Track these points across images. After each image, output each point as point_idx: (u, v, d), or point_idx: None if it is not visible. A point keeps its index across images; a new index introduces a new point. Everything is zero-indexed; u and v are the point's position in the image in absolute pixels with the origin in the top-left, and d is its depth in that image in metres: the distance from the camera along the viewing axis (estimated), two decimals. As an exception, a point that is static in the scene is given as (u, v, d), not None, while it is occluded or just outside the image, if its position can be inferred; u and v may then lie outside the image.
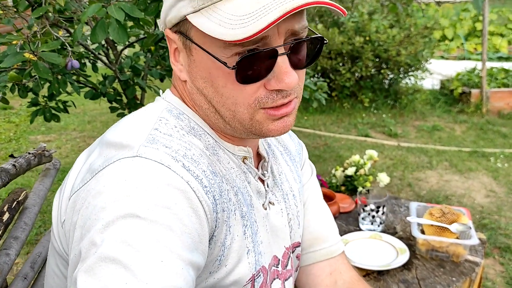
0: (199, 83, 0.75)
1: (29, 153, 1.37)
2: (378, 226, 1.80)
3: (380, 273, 1.55)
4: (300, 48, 0.72)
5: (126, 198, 0.61)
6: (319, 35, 0.75)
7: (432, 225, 1.63)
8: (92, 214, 0.62)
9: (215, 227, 0.72)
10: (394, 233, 1.80)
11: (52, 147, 5.22)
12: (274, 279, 0.90)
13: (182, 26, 0.73)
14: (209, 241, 0.71)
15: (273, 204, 0.90)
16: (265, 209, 0.87)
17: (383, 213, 1.80)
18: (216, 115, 0.77)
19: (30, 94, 2.34)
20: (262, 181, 0.89)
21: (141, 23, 1.91)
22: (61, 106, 2.54)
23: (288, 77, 0.70)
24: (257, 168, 0.89)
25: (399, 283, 1.50)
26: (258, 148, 0.90)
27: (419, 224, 1.69)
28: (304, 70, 0.77)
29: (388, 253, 1.64)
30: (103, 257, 0.57)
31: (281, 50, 0.69)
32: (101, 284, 0.55)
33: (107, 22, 1.66)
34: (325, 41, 0.76)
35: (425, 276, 1.53)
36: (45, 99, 2.46)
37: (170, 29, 0.76)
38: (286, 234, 0.93)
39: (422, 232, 1.68)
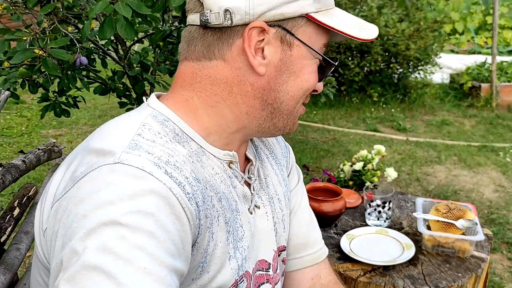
0: (283, 78, 0.80)
1: (38, 149, 1.39)
2: (385, 221, 1.81)
3: (386, 268, 1.56)
4: None
5: (107, 205, 0.61)
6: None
7: (438, 221, 1.64)
8: (73, 222, 0.62)
9: (198, 233, 0.72)
10: (400, 229, 1.80)
11: (63, 141, 5.27)
12: (263, 283, 0.90)
13: (289, 23, 0.78)
14: (191, 247, 0.71)
15: (259, 207, 0.91)
16: (251, 213, 0.88)
17: (389, 209, 1.80)
18: (270, 110, 0.82)
19: (41, 89, 2.36)
20: (248, 184, 0.89)
21: (148, 19, 1.92)
22: (71, 102, 2.56)
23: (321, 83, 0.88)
24: (244, 171, 0.89)
25: (405, 279, 1.51)
26: (246, 150, 0.91)
27: (425, 220, 1.69)
28: None
29: (394, 249, 1.65)
30: (85, 265, 0.57)
31: None
32: None
33: (115, 18, 1.68)
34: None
35: (431, 272, 1.54)
36: (55, 94, 2.48)
37: (266, 22, 0.76)
38: (272, 238, 0.94)
39: (428, 227, 1.69)
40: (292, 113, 0.84)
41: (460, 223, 1.60)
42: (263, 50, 0.77)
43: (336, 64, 0.84)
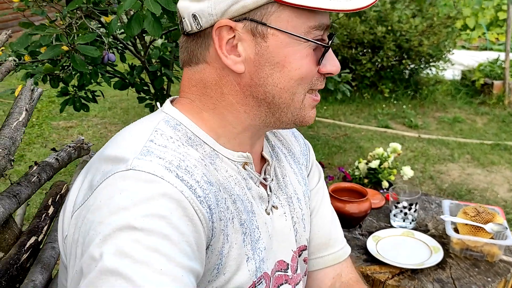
0: (265, 71, 0.76)
1: (69, 146, 1.39)
2: (410, 223, 1.80)
3: (414, 271, 1.55)
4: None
5: (121, 211, 0.62)
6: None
7: (466, 224, 1.63)
8: (90, 230, 0.64)
9: (212, 236, 0.73)
10: (426, 231, 1.79)
11: (74, 133, 5.28)
12: (282, 284, 0.90)
13: (257, 13, 0.73)
14: (206, 249, 0.72)
15: (277, 208, 0.90)
16: (268, 214, 0.87)
17: (415, 211, 1.79)
18: (267, 106, 0.79)
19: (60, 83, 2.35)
20: (265, 185, 0.89)
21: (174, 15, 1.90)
22: (90, 96, 2.55)
23: (337, 61, 0.80)
24: (260, 172, 0.89)
25: (434, 282, 1.50)
26: (262, 150, 0.90)
27: (452, 223, 1.68)
28: None
29: (421, 251, 1.64)
30: (103, 270, 0.58)
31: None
32: None
33: (142, 15, 1.66)
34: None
35: (460, 276, 1.53)
36: (74, 88, 2.47)
37: (231, 19, 0.74)
38: (291, 238, 0.93)
39: (456, 230, 1.68)
40: (293, 105, 0.79)
41: (489, 227, 1.58)
42: (237, 48, 0.76)
43: (328, 45, 0.77)
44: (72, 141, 1.47)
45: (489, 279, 1.51)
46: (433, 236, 1.74)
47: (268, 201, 0.88)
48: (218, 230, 0.74)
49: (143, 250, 0.60)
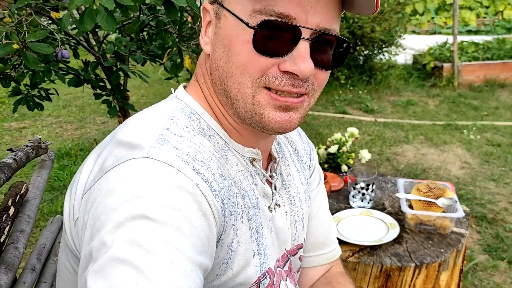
0: (218, 53, 0.74)
1: (26, 146, 1.37)
2: (368, 203, 1.88)
3: (373, 248, 1.62)
4: (325, 46, 0.73)
5: (136, 199, 0.61)
6: (346, 39, 0.76)
7: (419, 200, 1.71)
8: (102, 214, 0.62)
9: (222, 230, 0.72)
10: (383, 209, 1.87)
11: (28, 134, 5.12)
12: (281, 279, 0.91)
13: None
14: (216, 244, 0.71)
15: (279, 206, 0.91)
16: (271, 211, 0.88)
17: (372, 191, 1.87)
18: (225, 94, 0.76)
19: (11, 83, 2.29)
20: (270, 183, 0.89)
21: (127, 9, 1.89)
22: (44, 94, 2.50)
23: (304, 63, 0.70)
24: (266, 169, 0.89)
25: (391, 257, 1.58)
26: (270, 148, 0.90)
27: (407, 200, 1.76)
28: (326, 73, 0.77)
29: (379, 229, 1.72)
30: (113, 258, 0.57)
31: (305, 34, 0.70)
32: (111, 284, 0.56)
33: (95, 10, 1.65)
34: (351, 51, 0.79)
35: (415, 249, 1.62)
36: (27, 87, 2.41)
37: (208, 1, 0.77)
38: (288, 237, 0.94)
39: (411, 207, 1.76)
40: (242, 98, 0.74)
41: (441, 201, 1.68)
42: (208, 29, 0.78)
43: (253, 27, 0.69)
44: (29, 140, 1.45)
45: (442, 250, 1.61)
46: (389, 213, 1.82)
47: (272, 199, 0.88)
48: (229, 225, 0.74)
49: (155, 241, 0.58)
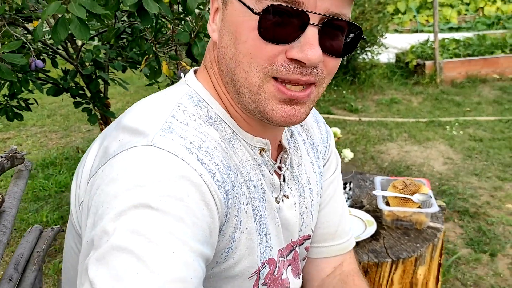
0: (225, 41, 0.73)
1: (1, 157, 1.37)
2: (347, 201, 1.90)
3: (351, 245, 1.65)
4: (335, 32, 0.70)
5: (139, 187, 0.61)
6: (358, 25, 0.73)
7: (396, 196, 1.74)
8: (104, 202, 0.62)
9: (225, 221, 0.72)
10: (361, 207, 1.90)
11: (12, 144, 5.09)
12: (283, 269, 0.91)
13: None
14: (217, 234, 0.71)
15: (288, 197, 0.89)
16: (278, 202, 0.86)
17: (350, 189, 1.90)
18: (232, 83, 0.75)
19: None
20: (278, 174, 0.87)
21: (101, 17, 1.90)
22: (23, 104, 2.50)
23: (312, 50, 0.67)
24: (276, 159, 0.87)
25: (369, 253, 1.60)
26: (281, 138, 0.88)
27: (384, 197, 1.79)
28: (336, 60, 0.74)
29: (357, 226, 1.74)
30: (115, 246, 0.57)
31: (313, 20, 0.67)
32: (113, 272, 0.55)
33: (68, 19, 1.66)
34: (363, 36, 0.75)
35: (392, 245, 1.65)
36: (5, 98, 2.41)
37: None
38: (295, 228, 0.92)
39: (387, 204, 1.79)
40: (248, 87, 0.72)
41: (416, 197, 1.71)
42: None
43: (258, 12, 0.67)
44: (5, 151, 1.45)
45: (418, 244, 1.64)
46: (367, 211, 1.85)
47: (280, 190, 0.87)
48: (231, 216, 0.73)
49: (157, 230, 0.58)
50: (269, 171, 0.84)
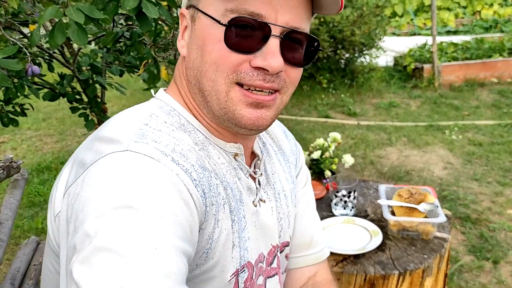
0: (193, 54, 0.78)
1: (-4, 167, 1.33)
2: (351, 210, 1.86)
3: (356, 256, 1.61)
4: (294, 44, 0.76)
5: (118, 190, 0.62)
6: (315, 37, 0.79)
7: (401, 206, 1.70)
8: (84, 207, 0.63)
9: (204, 220, 0.74)
10: (366, 216, 1.86)
11: (7, 149, 5.03)
12: (260, 275, 0.91)
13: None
14: (198, 232, 0.72)
15: (264, 201, 0.92)
16: (255, 206, 0.88)
17: (354, 198, 1.86)
18: (200, 93, 0.79)
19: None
20: (254, 178, 0.90)
21: (100, 21, 1.85)
22: (18, 110, 2.44)
23: (274, 58, 0.73)
24: (250, 166, 0.91)
25: (375, 265, 1.56)
26: (253, 146, 0.92)
27: (389, 206, 1.75)
28: (298, 70, 0.80)
29: (362, 237, 1.70)
30: (98, 247, 0.57)
31: (275, 31, 0.73)
32: (97, 272, 0.56)
33: (66, 23, 1.61)
34: (320, 48, 0.81)
35: (399, 256, 1.61)
36: (1, 103, 2.35)
37: (185, 7, 0.82)
38: (274, 233, 0.94)
39: (393, 213, 1.75)
40: (216, 95, 0.76)
41: (422, 207, 1.67)
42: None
43: (224, 24, 0.72)
44: (0, 160, 1.41)
45: (425, 255, 1.60)
46: (372, 220, 1.81)
47: (256, 194, 0.89)
48: (210, 215, 0.75)
49: (139, 229, 0.59)
50: (244, 175, 0.87)
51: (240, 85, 0.75)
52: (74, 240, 0.61)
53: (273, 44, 0.73)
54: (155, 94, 0.86)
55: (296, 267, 1.08)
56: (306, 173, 1.12)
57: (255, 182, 0.90)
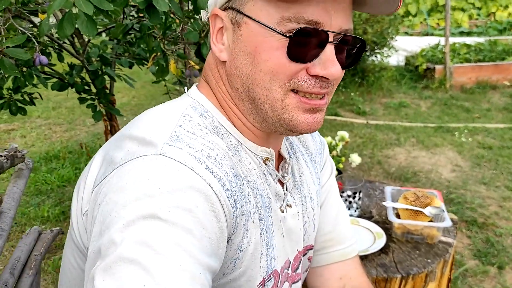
0: (240, 61, 0.75)
1: (0, 156, 1.33)
2: (355, 211, 1.85)
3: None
4: (344, 46, 0.75)
5: (148, 198, 0.61)
6: (362, 38, 0.78)
7: (407, 209, 1.68)
8: (112, 211, 0.62)
9: (233, 231, 0.72)
10: (370, 217, 1.84)
11: (16, 136, 5.06)
12: (284, 281, 0.90)
13: (236, 2, 0.75)
14: (226, 244, 0.71)
15: (291, 206, 0.90)
16: (282, 212, 0.87)
17: (359, 199, 1.84)
18: (249, 100, 0.77)
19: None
20: (282, 183, 0.88)
21: (109, 13, 1.85)
22: (27, 99, 2.45)
23: (334, 66, 0.72)
24: (278, 169, 0.88)
25: (378, 267, 1.55)
26: (280, 148, 0.89)
27: (394, 208, 1.73)
28: (344, 71, 0.78)
29: (366, 238, 1.69)
30: (122, 257, 0.57)
31: (331, 38, 0.72)
32: (119, 283, 0.55)
33: (75, 14, 1.61)
34: (366, 49, 0.79)
35: (402, 259, 1.59)
36: (9, 91, 2.37)
37: (220, 8, 0.77)
38: (299, 237, 0.93)
39: (398, 215, 1.73)
40: (271, 103, 0.74)
41: (428, 210, 1.65)
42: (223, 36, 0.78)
43: (289, 35, 0.70)
44: (5, 149, 1.41)
45: (429, 260, 1.58)
46: (377, 222, 1.79)
47: (284, 199, 0.87)
48: (239, 225, 0.73)
49: (165, 243, 0.58)
50: (273, 180, 0.85)
51: (295, 91, 0.74)
52: (99, 243, 0.60)
53: (330, 51, 0.72)
54: (188, 91, 0.84)
55: (321, 264, 1.04)
56: (331, 165, 1.09)
57: (283, 188, 0.88)
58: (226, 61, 0.78)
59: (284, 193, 0.88)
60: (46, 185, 3.87)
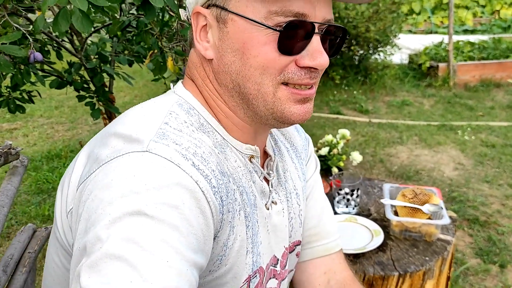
0: (228, 58, 0.75)
1: (-6, 153, 1.32)
2: (353, 208, 1.83)
3: (356, 256, 1.58)
4: (328, 36, 0.77)
5: (134, 194, 0.60)
6: (343, 26, 0.79)
7: (405, 206, 1.67)
8: (98, 208, 0.61)
9: (220, 228, 0.72)
10: (368, 215, 1.83)
11: (19, 135, 5.07)
12: (270, 278, 0.90)
13: None
14: (212, 241, 0.71)
15: (276, 203, 0.90)
16: (268, 209, 0.87)
17: (357, 196, 1.82)
18: (239, 96, 0.77)
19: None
20: (267, 180, 0.88)
21: (105, 9, 1.84)
22: (26, 97, 2.44)
23: (322, 56, 0.73)
24: (263, 166, 0.89)
25: (375, 265, 1.53)
26: (265, 145, 0.90)
27: (392, 206, 1.72)
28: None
29: (363, 236, 1.67)
30: (108, 254, 0.56)
31: (317, 29, 0.73)
32: (105, 280, 0.54)
33: (70, 10, 1.60)
34: (347, 35, 0.81)
35: (399, 257, 1.57)
36: (8, 89, 2.36)
37: (202, 6, 0.77)
38: (285, 234, 0.93)
39: (396, 213, 1.72)
40: (262, 97, 0.75)
41: (426, 208, 1.63)
42: (207, 34, 0.78)
43: (279, 29, 0.70)
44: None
45: (427, 258, 1.56)
46: (375, 219, 1.78)
47: (269, 197, 0.88)
48: (226, 222, 0.73)
49: (152, 239, 0.58)
50: (259, 178, 0.85)
51: (285, 84, 0.75)
52: (85, 240, 0.60)
53: (316, 42, 0.73)
54: (173, 87, 0.83)
55: (306, 259, 1.05)
56: (315, 161, 1.09)
57: (268, 185, 0.88)
58: (212, 59, 0.77)
59: (270, 190, 0.88)
60: (48, 184, 3.87)
